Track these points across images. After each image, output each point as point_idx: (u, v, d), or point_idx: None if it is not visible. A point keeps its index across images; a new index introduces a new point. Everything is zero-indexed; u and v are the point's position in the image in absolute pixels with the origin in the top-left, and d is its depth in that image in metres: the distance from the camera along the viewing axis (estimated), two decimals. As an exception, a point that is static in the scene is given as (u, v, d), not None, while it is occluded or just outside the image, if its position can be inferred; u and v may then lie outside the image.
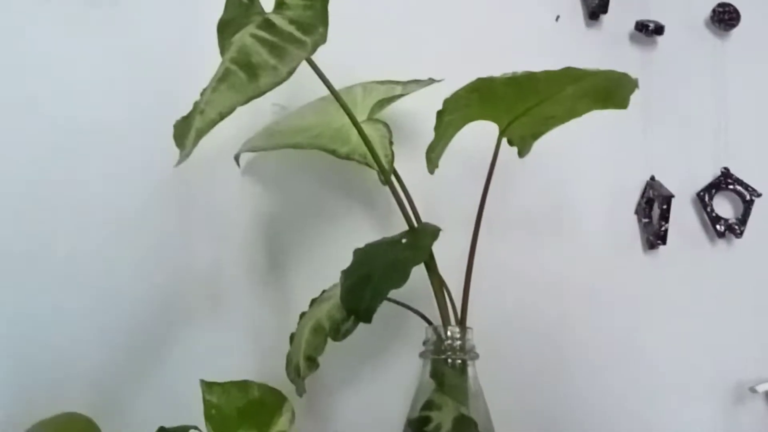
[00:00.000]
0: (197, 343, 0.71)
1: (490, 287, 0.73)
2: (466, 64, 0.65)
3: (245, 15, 0.52)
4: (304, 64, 0.51)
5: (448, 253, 0.62)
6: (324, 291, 0.65)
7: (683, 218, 0.84)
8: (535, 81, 0.58)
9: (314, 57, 0.53)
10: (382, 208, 0.75)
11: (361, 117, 0.63)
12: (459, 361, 0.62)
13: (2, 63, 0.70)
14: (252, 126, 0.72)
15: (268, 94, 0.48)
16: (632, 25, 0.86)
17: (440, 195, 0.73)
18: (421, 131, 0.67)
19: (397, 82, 0.70)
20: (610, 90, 0.61)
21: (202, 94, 0.47)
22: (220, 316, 0.72)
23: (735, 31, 0.88)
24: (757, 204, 0.84)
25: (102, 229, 0.70)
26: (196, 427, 0.59)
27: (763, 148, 0.88)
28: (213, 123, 0.45)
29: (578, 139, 0.77)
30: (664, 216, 0.81)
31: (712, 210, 0.84)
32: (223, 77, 0.47)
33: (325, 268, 0.62)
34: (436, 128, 0.62)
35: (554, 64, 0.57)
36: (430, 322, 0.63)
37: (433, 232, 0.59)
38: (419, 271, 0.59)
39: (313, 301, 0.65)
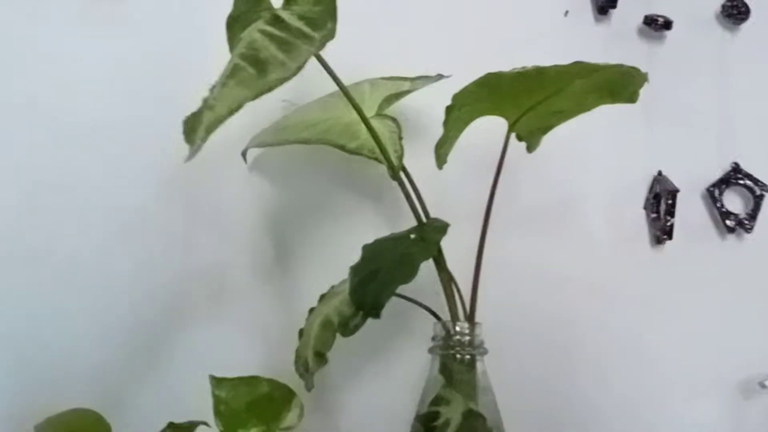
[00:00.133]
0: (205, 339, 0.71)
1: (498, 282, 0.73)
2: (474, 59, 0.65)
3: (254, 11, 0.52)
4: (311, 59, 0.51)
5: (456, 249, 0.62)
6: (332, 287, 0.65)
7: (692, 213, 0.84)
8: (544, 76, 0.58)
9: (322, 53, 0.53)
10: (390, 203, 0.75)
11: (369, 113, 0.63)
12: (468, 357, 0.62)
13: (7, 62, 0.70)
14: (259, 122, 0.72)
15: (277, 89, 0.48)
16: (641, 20, 0.85)
17: (449, 190, 0.73)
18: (430, 127, 0.67)
19: (405, 78, 0.70)
20: (619, 84, 0.61)
21: (210, 90, 0.47)
22: (228, 312, 0.72)
23: (744, 25, 0.88)
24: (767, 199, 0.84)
25: (108, 227, 0.70)
26: (205, 423, 0.59)
27: (772, 142, 0.87)
28: (222, 119, 0.45)
29: (586, 134, 0.77)
30: (670, 211, 0.80)
31: (723, 205, 0.84)
32: (232, 73, 0.47)
33: (333, 263, 0.62)
34: (445, 124, 0.62)
35: (563, 59, 0.57)
36: (438, 318, 0.63)
37: (442, 227, 0.59)
38: (428, 267, 0.59)
39: (322, 297, 0.65)
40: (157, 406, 0.67)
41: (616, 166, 0.83)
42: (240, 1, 0.54)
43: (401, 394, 0.68)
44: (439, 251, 0.62)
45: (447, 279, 0.62)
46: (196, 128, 0.45)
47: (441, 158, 0.65)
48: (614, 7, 0.84)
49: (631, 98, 0.62)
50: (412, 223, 0.62)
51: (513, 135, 0.66)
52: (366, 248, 0.58)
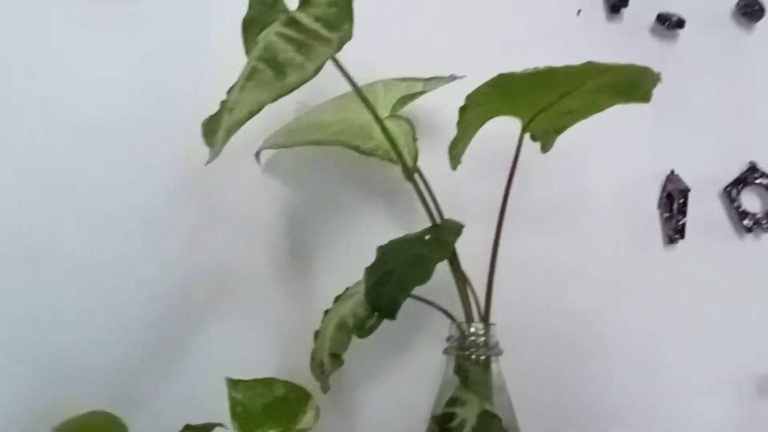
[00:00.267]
0: (219, 341, 0.71)
1: (513, 282, 0.72)
2: (486, 59, 0.65)
3: (270, 13, 0.52)
4: (325, 60, 0.51)
5: (470, 249, 0.62)
6: (347, 288, 0.65)
7: (708, 212, 0.84)
8: (556, 76, 0.58)
9: (336, 54, 0.53)
10: (404, 204, 0.75)
11: (382, 114, 0.63)
12: (483, 357, 0.62)
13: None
14: (272, 123, 0.72)
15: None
16: (653, 18, 0.85)
17: (462, 191, 0.73)
18: (443, 128, 0.67)
19: (418, 79, 0.70)
20: (632, 84, 0.61)
21: (229, 93, 0.47)
22: (243, 313, 0.72)
23: (759, 24, 0.87)
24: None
25: (125, 227, 0.70)
26: (221, 424, 0.59)
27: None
28: (242, 121, 0.45)
29: (599, 134, 0.76)
30: (681, 210, 0.80)
31: (740, 206, 0.83)
32: (250, 75, 0.47)
33: (348, 265, 0.62)
34: (459, 124, 0.62)
35: (575, 58, 0.57)
36: (453, 319, 0.63)
37: (457, 228, 0.59)
38: (442, 268, 0.59)
39: (337, 298, 0.65)
40: (173, 407, 0.67)
41: (629, 166, 0.83)
42: (255, 3, 0.54)
43: (417, 395, 0.68)
44: (454, 252, 0.62)
45: (461, 279, 0.62)
46: (215, 131, 0.45)
47: (455, 159, 0.65)
48: (626, 5, 0.84)
49: (644, 98, 0.62)
50: (427, 223, 0.62)
51: (527, 135, 0.66)
52: (380, 249, 0.58)
